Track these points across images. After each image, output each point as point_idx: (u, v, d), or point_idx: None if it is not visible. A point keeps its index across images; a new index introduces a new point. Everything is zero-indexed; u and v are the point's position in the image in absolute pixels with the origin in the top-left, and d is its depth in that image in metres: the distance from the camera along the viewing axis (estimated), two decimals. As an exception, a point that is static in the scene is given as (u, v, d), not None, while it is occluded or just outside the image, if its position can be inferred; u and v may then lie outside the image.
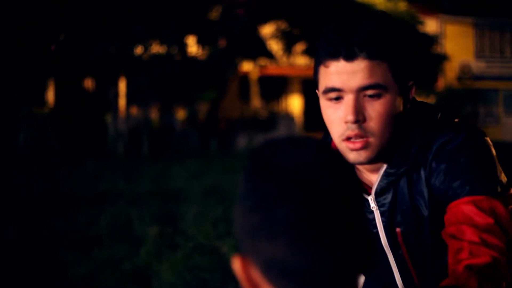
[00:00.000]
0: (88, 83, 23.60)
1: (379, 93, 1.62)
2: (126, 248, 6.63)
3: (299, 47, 23.59)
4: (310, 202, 0.94)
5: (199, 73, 21.75)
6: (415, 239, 1.73)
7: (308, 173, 0.96)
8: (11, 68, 17.69)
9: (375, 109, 1.62)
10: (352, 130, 1.62)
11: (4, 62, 17.35)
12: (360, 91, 1.61)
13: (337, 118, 1.64)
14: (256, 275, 0.98)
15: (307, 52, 23.27)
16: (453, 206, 1.60)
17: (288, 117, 28.71)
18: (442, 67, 27.81)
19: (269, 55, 23.51)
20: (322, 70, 1.65)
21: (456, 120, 1.70)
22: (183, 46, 20.86)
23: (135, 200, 9.74)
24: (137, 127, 21.92)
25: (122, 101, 21.84)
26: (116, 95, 21.69)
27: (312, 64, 1.73)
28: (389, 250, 1.78)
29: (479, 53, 32.42)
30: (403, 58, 1.65)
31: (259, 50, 22.63)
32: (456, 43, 31.21)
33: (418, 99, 1.77)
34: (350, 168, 1.02)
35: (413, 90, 1.71)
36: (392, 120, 1.64)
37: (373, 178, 1.75)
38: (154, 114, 24.48)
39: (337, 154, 1.02)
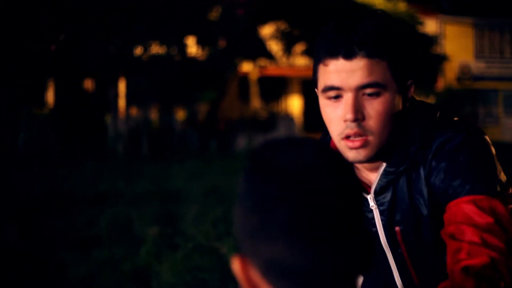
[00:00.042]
0: (88, 84, 23.59)
1: (378, 91, 1.62)
2: (125, 248, 6.63)
3: (299, 47, 23.59)
4: (310, 202, 0.94)
5: (198, 74, 21.74)
6: (414, 238, 1.73)
7: (308, 174, 0.96)
8: (11, 68, 17.69)
9: (374, 108, 1.62)
10: (351, 128, 1.62)
11: (4, 62, 17.34)
12: (359, 90, 1.61)
13: (336, 117, 1.64)
14: (256, 275, 0.98)
15: (306, 53, 23.27)
16: (452, 205, 1.60)
17: (288, 117, 28.71)
18: (442, 68, 27.80)
19: (269, 56, 23.51)
20: (321, 69, 1.65)
21: (455, 119, 1.70)
22: (183, 47, 20.86)
23: (135, 201, 9.74)
24: (137, 128, 21.92)
25: (121, 102, 21.84)
26: (116, 95, 21.69)
27: (312, 65, 1.73)
28: (389, 249, 1.78)
29: (479, 54, 32.41)
30: (402, 57, 1.66)
31: (259, 51, 22.62)
32: (456, 44, 31.21)
33: (418, 99, 1.78)
34: (349, 168, 1.02)
35: (412, 89, 1.71)
36: (391, 118, 1.64)
37: (372, 177, 1.74)
38: (153, 115, 24.47)
39: (337, 155, 1.02)
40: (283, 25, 23.33)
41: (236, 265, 0.99)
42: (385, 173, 1.70)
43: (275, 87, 29.20)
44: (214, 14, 20.51)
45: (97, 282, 5.70)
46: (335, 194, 0.96)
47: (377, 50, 1.60)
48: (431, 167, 1.66)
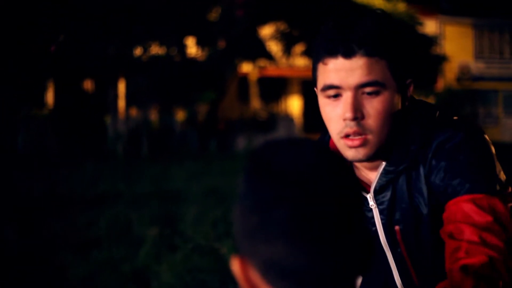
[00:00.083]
0: (88, 84, 23.60)
1: (378, 90, 1.61)
2: (125, 249, 6.63)
3: (299, 48, 23.60)
4: (309, 203, 0.94)
5: (198, 74, 21.76)
6: (414, 237, 1.73)
7: (307, 174, 0.96)
8: (11, 68, 17.70)
9: (373, 107, 1.62)
10: (351, 127, 1.62)
11: (4, 62, 17.36)
12: (358, 89, 1.61)
13: (335, 116, 1.64)
14: (255, 276, 0.98)
15: (306, 53, 23.27)
16: (452, 204, 1.59)
17: (288, 118, 28.73)
18: (441, 68, 27.83)
19: (269, 56, 23.51)
20: (321, 68, 1.65)
21: (455, 118, 1.70)
22: (183, 47, 20.89)
23: (134, 201, 9.74)
24: (137, 128, 21.94)
25: (121, 102, 21.86)
26: (115, 96, 21.71)
27: (311, 65, 1.73)
28: (388, 248, 1.78)
29: (479, 54, 32.44)
30: (401, 56, 1.65)
31: (259, 51, 22.63)
32: (455, 44, 31.23)
33: (417, 98, 1.78)
34: (348, 169, 1.02)
35: (412, 88, 1.70)
36: (391, 117, 1.64)
37: (372, 176, 1.74)
38: (153, 115, 24.49)
39: (336, 156, 1.02)
40: (282, 26, 23.34)
41: (235, 266, 0.99)
42: (385, 172, 1.70)
43: (274, 88, 29.22)
44: (214, 14, 20.53)
45: (97, 282, 5.70)
46: (334, 194, 0.96)
47: (376, 48, 1.60)
48: (431, 166, 1.66)
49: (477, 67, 32.15)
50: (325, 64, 1.63)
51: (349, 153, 1.65)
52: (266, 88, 28.58)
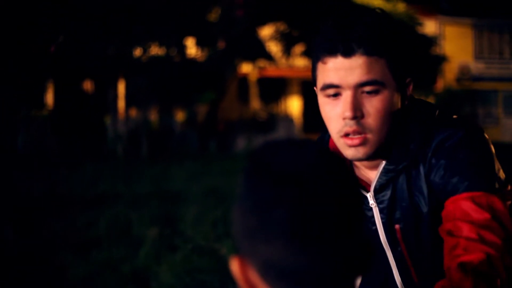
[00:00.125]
0: (87, 85, 23.59)
1: (377, 89, 1.62)
2: (125, 249, 6.63)
3: (298, 48, 23.59)
4: (309, 203, 0.94)
5: (198, 75, 21.76)
6: (414, 236, 1.73)
7: (307, 175, 0.96)
8: (11, 68, 17.71)
9: (373, 105, 1.62)
10: (350, 126, 1.62)
11: (4, 62, 17.36)
12: (358, 87, 1.61)
13: (335, 115, 1.64)
14: (254, 276, 0.98)
15: (306, 54, 23.26)
16: (451, 201, 1.60)
17: (287, 118, 28.73)
18: (441, 68, 27.82)
19: (268, 57, 23.51)
20: (320, 67, 1.65)
21: (454, 117, 1.70)
22: (182, 48, 20.88)
23: (134, 202, 9.74)
24: (136, 129, 21.93)
25: (121, 103, 21.85)
26: (115, 97, 21.70)
27: (311, 64, 1.73)
28: (388, 247, 1.78)
29: (478, 54, 32.44)
30: (400, 55, 1.66)
31: (258, 52, 22.63)
32: (455, 44, 31.23)
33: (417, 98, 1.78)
34: (348, 169, 1.02)
35: (411, 87, 1.71)
36: (390, 116, 1.64)
37: (372, 175, 1.75)
38: (153, 116, 24.48)
39: (336, 156, 1.02)
40: (282, 26, 23.33)
41: (234, 266, 0.99)
42: (385, 171, 1.70)
43: (274, 88, 29.21)
44: (214, 15, 20.52)
45: (97, 283, 5.70)
46: (334, 194, 0.96)
47: (376, 47, 1.60)
48: (431, 165, 1.66)
49: (476, 67, 32.14)
50: (324, 63, 1.63)
51: (349, 152, 1.65)
52: (266, 88, 28.57)
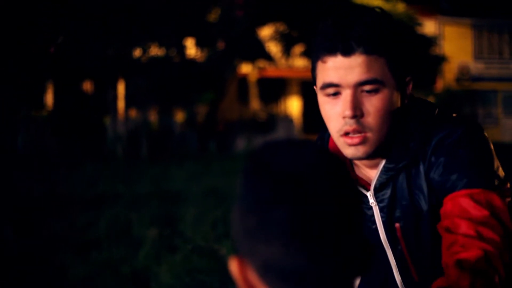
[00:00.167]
0: (87, 86, 23.59)
1: (377, 88, 1.62)
2: (124, 250, 6.62)
3: (298, 49, 23.59)
4: (308, 203, 0.94)
5: (197, 75, 21.75)
6: (414, 235, 1.73)
7: (306, 175, 0.96)
8: (11, 68, 17.71)
9: (372, 104, 1.62)
10: (350, 125, 1.62)
11: (4, 62, 17.36)
12: (357, 86, 1.61)
13: (335, 114, 1.64)
14: (253, 277, 0.98)
15: (305, 54, 23.26)
16: (449, 198, 1.60)
17: (287, 119, 28.73)
18: (441, 69, 27.83)
19: (268, 57, 23.51)
20: (320, 66, 1.65)
21: (454, 115, 1.70)
22: (182, 48, 20.88)
23: (134, 202, 9.73)
24: (136, 130, 21.92)
25: (121, 104, 21.85)
26: (115, 97, 21.70)
27: (310, 64, 1.73)
28: (388, 246, 1.78)
29: (478, 55, 32.44)
30: (400, 53, 1.66)
31: (258, 52, 22.62)
32: (455, 45, 31.23)
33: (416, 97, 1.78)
34: (347, 170, 1.02)
35: (411, 86, 1.71)
36: (390, 115, 1.64)
37: (372, 173, 1.75)
38: (153, 117, 24.48)
39: (335, 156, 1.02)
40: (282, 27, 23.33)
41: (233, 266, 0.99)
42: (385, 169, 1.70)
43: (274, 89, 29.21)
44: (213, 15, 20.51)
45: (96, 283, 5.69)
46: (334, 194, 0.96)
47: (375, 46, 1.60)
48: (430, 162, 1.66)
49: (476, 67, 32.14)
50: (324, 62, 1.63)
51: (349, 151, 1.65)
52: (266, 89, 28.57)
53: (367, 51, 1.59)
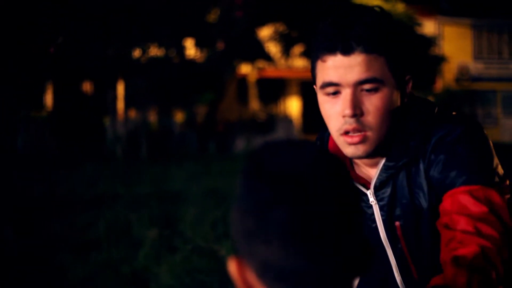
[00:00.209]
0: (87, 86, 23.58)
1: (377, 87, 1.62)
2: (124, 250, 6.62)
3: (297, 49, 23.58)
4: (308, 203, 0.94)
5: (197, 76, 21.75)
6: (414, 233, 1.73)
7: (306, 175, 0.96)
8: (11, 68, 17.70)
9: (372, 103, 1.62)
10: (350, 124, 1.63)
11: (4, 62, 17.35)
12: (357, 85, 1.61)
13: (334, 113, 1.65)
14: (252, 277, 0.98)
15: (305, 54, 23.25)
16: (448, 195, 1.60)
17: (287, 119, 28.71)
18: (440, 69, 27.82)
19: (267, 58, 23.50)
20: (320, 65, 1.65)
21: (453, 113, 1.71)
22: (181, 49, 20.87)
23: (133, 202, 9.72)
24: (136, 130, 21.92)
25: (120, 104, 21.85)
26: (114, 98, 21.70)
27: (310, 64, 1.73)
28: (388, 244, 1.78)
29: (477, 55, 32.43)
30: (400, 52, 1.66)
31: (257, 53, 22.61)
32: (454, 45, 31.23)
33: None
34: (347, 170, 1.02)
35: (410, 84, 1.71)
36: (390, 114, 1.64)
37: (372, 172, 1.75)
38: (152, 117, 24.47)
39: (334, 156, 1.02)
40: (281, 27, 23.32)
41: (232, 267, 0.99)
42: (385, 168, 1.71)
43: (273, 89, 29.20)
44: (213, 16, 20.51)
45: (96, 283, 5.69)
46: (333, 194, 0.96)
47: (375, 45, 1.60)
48: (430, 160, 1.66)
49: (476, 67, 32.14)
50: (323, 61, 1.64)
51: (349, 150, 1.66)
52: (265, 89, 28.56)
53: (366, 50, 1.59)
